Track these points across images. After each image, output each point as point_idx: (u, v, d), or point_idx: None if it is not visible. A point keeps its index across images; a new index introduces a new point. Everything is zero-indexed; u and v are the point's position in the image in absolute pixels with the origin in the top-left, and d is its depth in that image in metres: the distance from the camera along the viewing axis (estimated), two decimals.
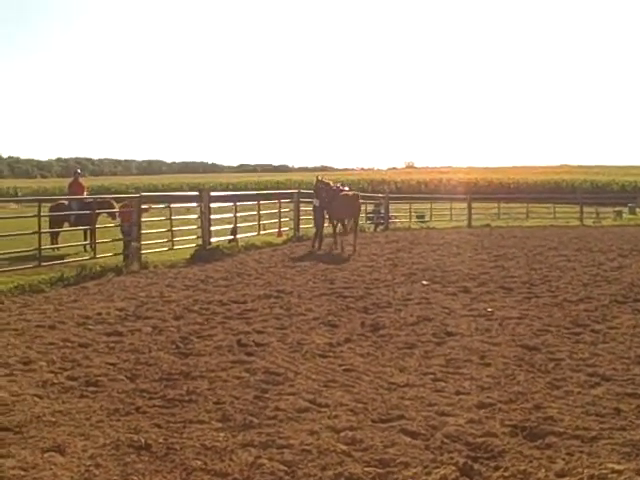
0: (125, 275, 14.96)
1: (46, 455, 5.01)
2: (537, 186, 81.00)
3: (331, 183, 22.07)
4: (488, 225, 36.41)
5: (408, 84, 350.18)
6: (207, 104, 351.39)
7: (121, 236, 17.81)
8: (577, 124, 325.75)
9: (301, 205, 25.43)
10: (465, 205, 38.87)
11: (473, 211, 38.35)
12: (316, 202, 21.37)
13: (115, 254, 16.88)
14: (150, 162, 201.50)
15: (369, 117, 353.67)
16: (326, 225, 22.33)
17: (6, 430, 5.52)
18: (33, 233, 15.05)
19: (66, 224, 20.04)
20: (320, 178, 22.11)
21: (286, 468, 4.80)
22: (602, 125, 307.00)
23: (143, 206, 17.69)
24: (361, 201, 22.53)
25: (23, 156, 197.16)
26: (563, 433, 5.43)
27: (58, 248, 18.69)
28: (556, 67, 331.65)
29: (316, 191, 21.83)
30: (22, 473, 4.69)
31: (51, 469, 4.77)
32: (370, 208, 35.82)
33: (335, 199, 21.17)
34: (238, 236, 22.23)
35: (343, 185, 23.23)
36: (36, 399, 6.30)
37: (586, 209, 42.00)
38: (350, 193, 21.73)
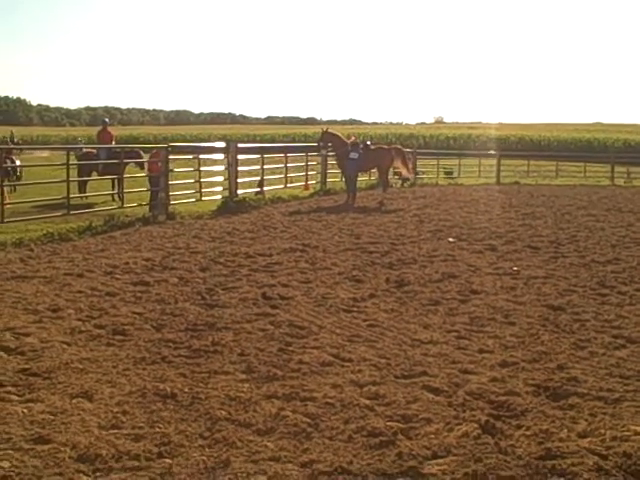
0: (152, 225, 15.07)
1: (74, 401, 5.12)
2: (568, 144, 79.67)
3: (339, 134, 22.31)
4: (517, 183, 35.97)
5: (439, 37, 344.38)
6: (236, 55, 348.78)
7: (149, 186, 17.89)
8: (611, 81, 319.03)
9: (329, 158, 25.28)
10: (494, 162, 38.37)
11: (502, 168, 37.84)
12: (354, 155, 21.24)
13: (142, 204, 16.96)
14: (178, 112, 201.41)
15: (399, 70, 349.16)
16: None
17: (35, 375, 5.64)
18: (62, 182, 15.17)
19: (94, 173, 20.14)
20: (326, 129, 22.41)
21: (309, 420, 4.86)
22: (637, 83, 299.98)
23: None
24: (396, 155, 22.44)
25: (52, 104, 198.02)
26: (586, 394, 5.43)
27: (86, 197, 18.84)
28: (590, 22, 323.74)
29: (322, 140, 22.15)
30: (51, 417, 4.81)
31: (79, 414, 4.87)
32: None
33: (366, 153, 21.35)
34: (265, 188, 22.23)
35: (363, 140, 23.17)
36: (64, 346, 6.42)
37: (617, 168, 41.23)
38: (386, 147, 22.14)
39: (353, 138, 22.43)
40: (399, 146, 24.92)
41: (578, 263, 11.38)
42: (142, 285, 9.13)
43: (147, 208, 16.82)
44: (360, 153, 21.26)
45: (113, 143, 21.87)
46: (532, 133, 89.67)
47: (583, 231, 15.38)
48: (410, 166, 24.17)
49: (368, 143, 22.49)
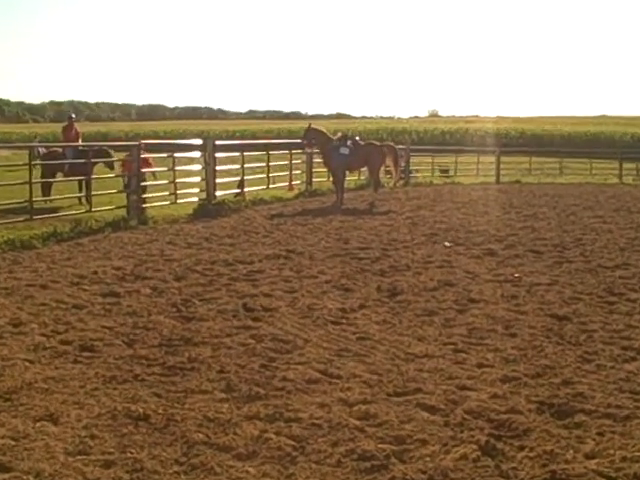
0: (123, 231, 15.02)
1: (38, 424, 5.08)
2: (572, 139, 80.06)
3: (324, 130, 22.60)
4: (518, 181, 36.23)
5: (432, 24, 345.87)
6: (213, 44, 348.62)
7: (123, 188, 17.85)
8: (617, 70, 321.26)
9: (314, 156, 25.31)
10: (493, 159, 38.57)
11: (502, 165, 38.07)
12: (344, 150, 21.33)
13: (113, 207, 16.89)
14: (151, 107, 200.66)
15: (390, 61, 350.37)
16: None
17: None
18: (24, 183, 15.09)
19: (59, 174, 20.03)
20: (310, 125, 22.64)
21: (294, 443, 4.85)
22: None
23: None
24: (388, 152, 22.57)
25: (13, 98, 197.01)
26: (594, 411, 5.45)
27: (51, 200, 18.75)
28: (592, 8, 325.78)
29: (306, 137, 22.26)
30: (12, 443, 4.76)
31: (43, 439, 4.83)
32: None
33: (357, 149, 21.66)
34: (245, 190, 22.23)
35: (352, 136, 23.23)
36: (27, 364, 6.37)
37: (626, 165, 41.55)
38: (377, 143, 22.46)
39: (340, 134, 22.47)
40: (391, 143, 25.04)
41: (584, 268, 11.44)
42: (112, 296, 9.08)
43: (119, 212, 16.73)
44: (350, 148, 21.37)
45: (80, 141, 21.79)
46: (533, 127, 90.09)
47: (589, 233, 15.48)
48: (399, 166, 24.26)
49: (357, 139, 22.60)
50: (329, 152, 21.61)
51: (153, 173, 19.28)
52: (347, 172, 22.83)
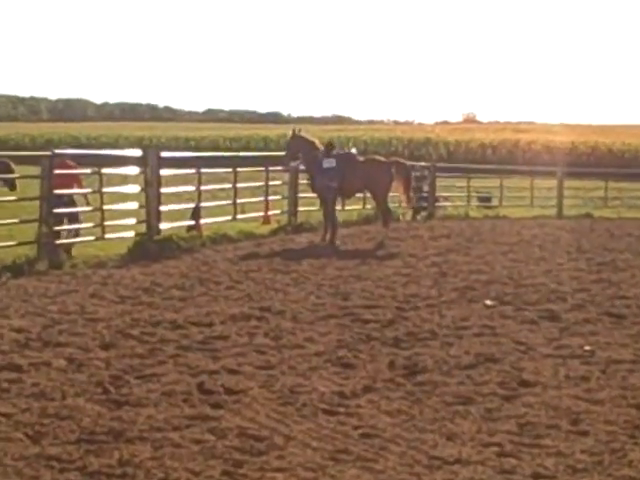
0: (28, 277, 14.98)
1: None
2: None
3: (316, 142, 22.80)
4: (589, 215, 36.31)
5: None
6: (157, 22, 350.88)
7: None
8: None
9: (301, 176, 25.38)
10: (554, 183, 38.73)
11: (567, 193, 38.30)
12: (328, 163, 21.41)
13: (13, 244, 16.85)
14: (69, 102, 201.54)
15: (407, 46, 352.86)
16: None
17: None
18: None
19: None
20: (298, 131, 22.95)
21: None
22: None
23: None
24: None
25: None
26: None
27: None
28: None
29: (289, 149, 22.77)
30: None
31: None
32: None
33: (349, 166, 21.85)
34: (202, 221, 22.23)
35: (349, 148, 23.44)
36: None
37: None
38: (381, 159, 22.44)
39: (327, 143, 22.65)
40: (401, 159, 25.12)
41: None
42: (11, 371, 9.03)
43: (21, 251, 16.68)
44: (343, 161, 21.51)
45: None
46: (611, 140, 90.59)
47: None
48: (414, 192, 24.42)
49: (354, 151, 22.78)
50: (312, 168, 21.73)
51: (85, 196, 19.38)
52: (340, 198, 22.98)
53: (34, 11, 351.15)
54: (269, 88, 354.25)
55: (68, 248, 17.92)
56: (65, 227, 18.33)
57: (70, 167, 18.85)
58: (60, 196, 17.84)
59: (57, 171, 17.63)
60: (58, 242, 17.17)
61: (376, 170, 22.11)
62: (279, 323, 11.78)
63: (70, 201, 18.64)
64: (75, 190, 18.57)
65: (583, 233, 27.25)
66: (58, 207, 17.65)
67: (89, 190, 19.91)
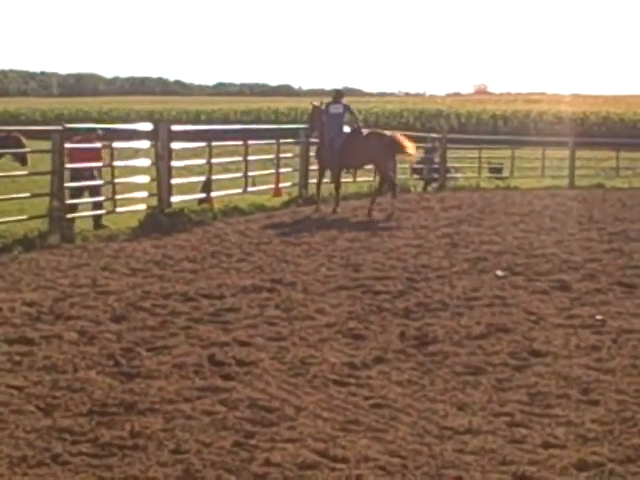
0: (39, 251, 14.99)
1: None
2: None
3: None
4: (600, 185, 36.18)
5: None
6: None
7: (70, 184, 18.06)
8: None
9: (312, 148, 25.32)
10: (566, 153, 38.58)
11: (578, 163, 38.13)
12: (335, 109, 22.12)
13: (25, 218, 16.87)
14: (80, 76, 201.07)
15: (417, 16, 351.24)
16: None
17: None
18: None
19: None
20: (319, 104, 23.01)
21: None
22: None
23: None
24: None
25: None
26: None
27: None
28: None
29: (311, 120, 23.11)
30: None
31: None
32: (417, 156, 35.63)
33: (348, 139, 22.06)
34: (213, 194, 22.22)
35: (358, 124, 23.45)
36: None
37: None
38: (384, 132, 22.53)
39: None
40: (378, 130, 24.90)
41: None
42: (23, 344, 9.05)
43: (33, 225, 16.70)
44: (346, 108, 22.26)
45: None
46: (623, 110, 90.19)
47: None
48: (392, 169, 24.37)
49: (360, 125, 22.87)
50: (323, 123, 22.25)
51: (99, 170, 19.60)
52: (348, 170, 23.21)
53: None
54: (280, 61, 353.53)
55: (98, 219, 18.62)
56: (87, 200, 19.01)
57: (89, 140, 19.45)
58: (82, 170, 18.47)
59: (81, 145, 18.71)
60: (81, 214, 17.38)
61: (375, 143, 22.10)
62: (290, 295, 11.78)
63: (91, 175, 19.10)
64: (89, 164, 18.70)
65: (595, 203, 27.14)
66: (80, 180, 18.39)
67: (100, 164, 19.91)
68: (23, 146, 20.17)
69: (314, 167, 25.70)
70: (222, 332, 9.72)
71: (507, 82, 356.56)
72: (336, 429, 6.82)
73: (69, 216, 17.17)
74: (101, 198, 19.16)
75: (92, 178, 19.07)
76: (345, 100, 22.96)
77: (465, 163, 39.68)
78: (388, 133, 23.27)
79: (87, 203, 18.95)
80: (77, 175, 18.59)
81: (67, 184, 17.48)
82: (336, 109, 22.15)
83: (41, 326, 9.84)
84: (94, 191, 19.14)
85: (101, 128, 21.96)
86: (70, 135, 18.98)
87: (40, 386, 7.69)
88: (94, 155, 19.18)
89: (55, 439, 6.47)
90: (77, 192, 18.52)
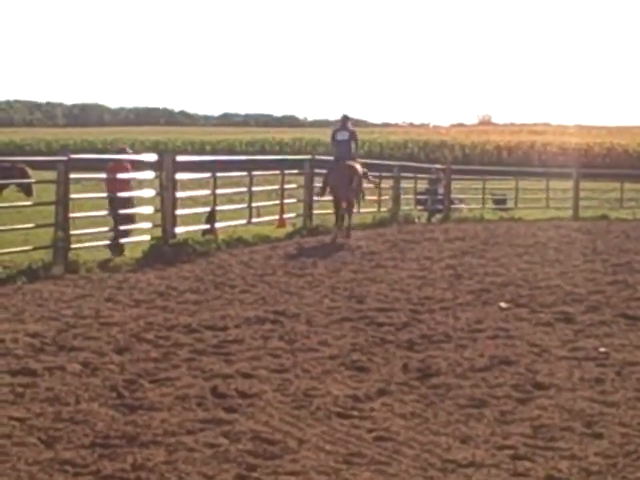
0: (43, 282, 15.01)
1: None
2: None
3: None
4: (605, 217, 36.18)
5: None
6: (173, 25, 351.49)
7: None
8: None
9: (316, 179, 25.39)
10: (570, 184, 38.64)
11: (582, 194, 38.15)
12: (341, 135, 23.08)
13: (29, 248, 16.89)
14: (85, 107, 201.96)
15: (421, 47, 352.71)
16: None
17: None
18: None
19: None
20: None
21: None
22: None
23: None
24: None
25: None
26: None
27: None
28: None
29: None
30: None
31: None
32: (422, 187, 35.71)
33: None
34: (217, 225, 22.26)
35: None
36: None
37: None
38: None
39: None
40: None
41: None
42: (25, 375, 9.05)
43: (37, 256, 16.71)
44: (351, 135, 22.96)
45: None
46: (627, 141, 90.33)
47: None
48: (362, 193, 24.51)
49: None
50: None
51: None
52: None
53: (50, 17, 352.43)
54: (284, 92, 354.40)
55: (122, 248, 19.14)
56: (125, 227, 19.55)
57: (128, 170, 20.20)
58: (123, 199, 19.45)
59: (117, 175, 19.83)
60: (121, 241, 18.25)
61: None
62: (293, 326, 11.77)
63: (129, 203, 19.92)
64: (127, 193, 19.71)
65: (599, 234, 27.14)
66: (121, 209, 19.15)
67: (105, 195, 19.99)
68: (28, 177, 20.26)
69: (319, 198, 25.79)
70: (225, 364, 9.71)
71: (511, 113, 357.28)
72: (339, 462, 6.81)
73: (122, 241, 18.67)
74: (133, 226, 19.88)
75: (130, 206, 19.86)
76: (351, 125, 23.63)
77: (469, 194, 39.80)
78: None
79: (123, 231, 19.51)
80: (116, 203, 19.36)
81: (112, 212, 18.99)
82: (342, 136, 22.87)
83: (44, 357, 9.83)
84: (129, 219, 19.80)
85: (107, 159, 22.16)
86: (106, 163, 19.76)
87: (42, 418, 7.69)
88: (128, 184, 20.10)
89: (57, 471, 6.46)
90: (121, 220, 19.31)
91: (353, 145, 23.13)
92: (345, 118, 23.52)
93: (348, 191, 22.71)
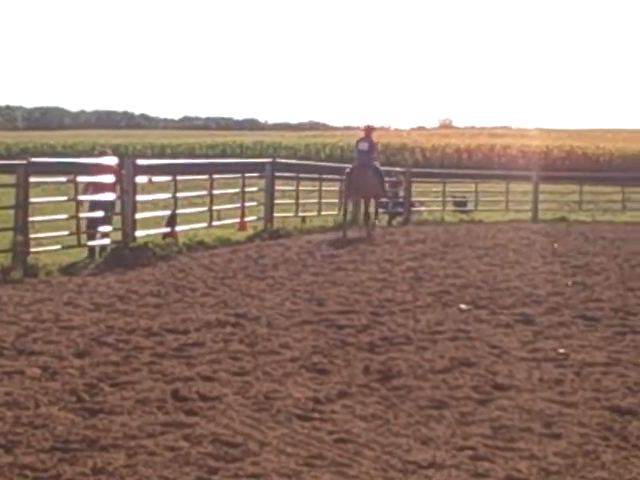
0: (2, 286, 14.89)
1: None
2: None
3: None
4: (564, 219, 36.42)
5: (445, 2, 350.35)
6: (133, 30, 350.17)
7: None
8: None
9: (278, 182, 25.39)
10: (530, 187, 38.86)
11: (542, 197, 38.38)
12: (362, 145, 24.79)
13: None
14: (45, 110, 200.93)
15: (381, 49, 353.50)
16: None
17: None
18: None
19: None
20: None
21: None
22: None
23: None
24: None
25: None
26: None
27: None
28: None
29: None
30: None
31: None
32: None
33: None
34: (178, 228, 22.20)
35: None
36: None
37: None
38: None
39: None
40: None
41: None
42: None
43: (6, 257, 16.61)
44: (371, 146, 24.55)
45: None
46: (586, 144, 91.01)
47: None
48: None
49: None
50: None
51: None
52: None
53: (9, 20, 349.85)
54: (245, 95, 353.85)
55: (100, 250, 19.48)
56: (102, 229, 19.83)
57: (117, 171, 20.28)
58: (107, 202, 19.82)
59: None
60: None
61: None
62: (254, 329, 11.75)
63: (110, 205, 20.14)
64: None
65: (557, 237, 27.33)
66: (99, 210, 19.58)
67: (65, 198, 19.87)
68: None
69: (278, 201, 25.90)
70: (186, 367, 9.68)
71: (472, 116, 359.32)
72: (300, 464, 6.80)
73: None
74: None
75: (110, 208, 20.06)
76: (375, 136, 25.64)
77: (430, 197, 39.91)
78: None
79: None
80: (96, 206, 19.83)
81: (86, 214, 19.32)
82: (363, 146, 24.46)
83: (3, 362, 9.74)
84: (106, 221, 20.03)
85: (67, 163, 22.16)
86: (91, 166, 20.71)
87: (1, 422, 7.62)
88: (114, 185, 20.14)
89: (17, 476, 6.41)
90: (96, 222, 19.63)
91: (373, 155, 24.67)
92: (369, 128, 25.18)
93: (374, 187, 24.71)
